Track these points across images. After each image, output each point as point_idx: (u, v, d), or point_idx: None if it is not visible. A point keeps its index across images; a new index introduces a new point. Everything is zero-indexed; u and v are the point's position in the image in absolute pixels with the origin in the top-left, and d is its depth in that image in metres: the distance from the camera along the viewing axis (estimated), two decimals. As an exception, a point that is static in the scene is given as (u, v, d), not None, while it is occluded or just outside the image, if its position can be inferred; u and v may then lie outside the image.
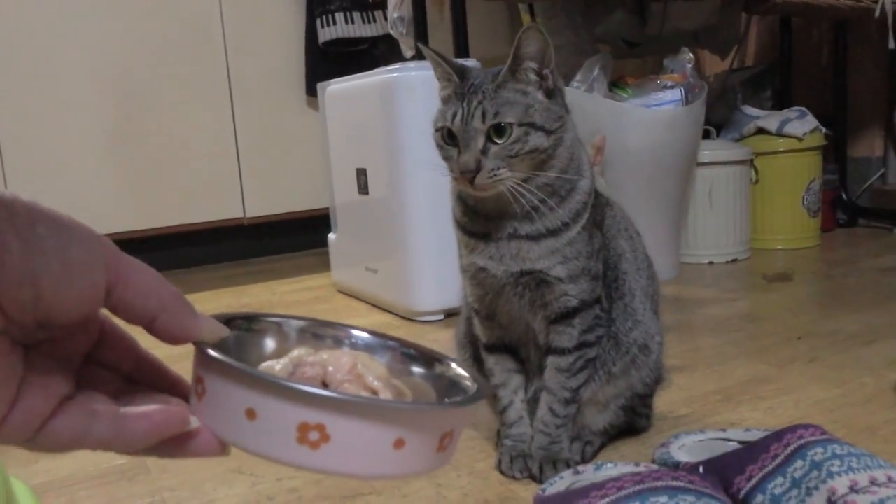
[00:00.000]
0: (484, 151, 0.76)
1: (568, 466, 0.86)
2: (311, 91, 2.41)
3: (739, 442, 0.85)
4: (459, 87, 0.80)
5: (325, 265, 2.08)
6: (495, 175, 0.76)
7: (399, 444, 0.38)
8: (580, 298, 0.83)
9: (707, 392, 1.11)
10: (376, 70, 1.64)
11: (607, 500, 0.69)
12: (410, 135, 1.53)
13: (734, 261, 2.01)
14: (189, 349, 0.41)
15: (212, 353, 0.39)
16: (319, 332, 0.49)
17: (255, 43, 2.40)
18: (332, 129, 1.87)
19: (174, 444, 0.39)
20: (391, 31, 2.32)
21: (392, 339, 0.49)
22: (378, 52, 2.48)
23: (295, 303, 1.89)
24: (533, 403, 0.91)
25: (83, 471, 1.00)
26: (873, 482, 0.69)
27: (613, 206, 0.95)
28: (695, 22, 2.20)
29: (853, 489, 0.69)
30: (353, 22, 2.40)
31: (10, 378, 0.35)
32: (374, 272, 1.73)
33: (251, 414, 0.37)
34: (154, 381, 0.43)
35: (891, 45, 1.98)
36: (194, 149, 2.32)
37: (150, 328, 0.38)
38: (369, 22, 2.43)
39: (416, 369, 0.48)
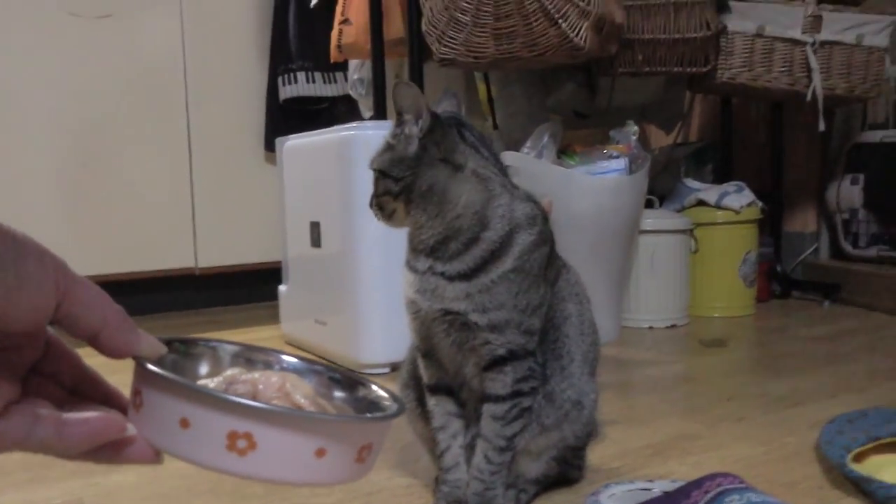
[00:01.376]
0: (374, 190, 0.88)
1: (501, 512, 0.88)
2: (270, 146, 2.46)
3: (663, 492, 0.89)
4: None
5: (274, 317, 2.10)
6: (379, 213, 0.88)
7: (321, 453, 0.41)
8: (508, 349, 0.86)
9: (639, 446, 1.16)
10: (335, 127, 1.69)
11: (534, 539, 0.72)
12: (365, 191, 1.57)
13: (673, 326, 2.08)
14: (126, 365, 0.44)
15: (150, 367, 0.42)
16: (251, 357, 0.53)
17: (216, 96, 2.45)
18: (289, 183, 1.91)
19: (111, 450, 0.43)
20: (351, 92, 2.40)
21: (319, 364, 0.53)
22: (337, 112, 2.55)
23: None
24: (470, 450, 0.94)
25: (17, 510, 0.99)
26: (784, 528, 0.74)
27: (570, 269, 0.99)
28: (641, 97, 2.32)
29: (765, 534, 0.73)
30: (314, 81, 2.47)
31: None
32: (323, 324, 1.75)
33: (185, 423, 0.41)
34: (95, 393, 0.46)
35: (821, 127, 2.11)
36: (149, 197, 2.34)
37: (94, 342, 0.42)
38: (330, 82, 2.51)
39: (340, 392, 0.51)
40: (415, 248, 0.88)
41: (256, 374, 0.47)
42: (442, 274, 0.85)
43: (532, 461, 0.94)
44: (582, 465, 1.02)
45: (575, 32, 1.62)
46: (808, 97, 2.09)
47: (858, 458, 0.99)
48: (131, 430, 0.43)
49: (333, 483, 0.44)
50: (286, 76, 2.45)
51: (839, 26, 2.09)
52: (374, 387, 0.52)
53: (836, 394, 1.39)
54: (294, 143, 1.88)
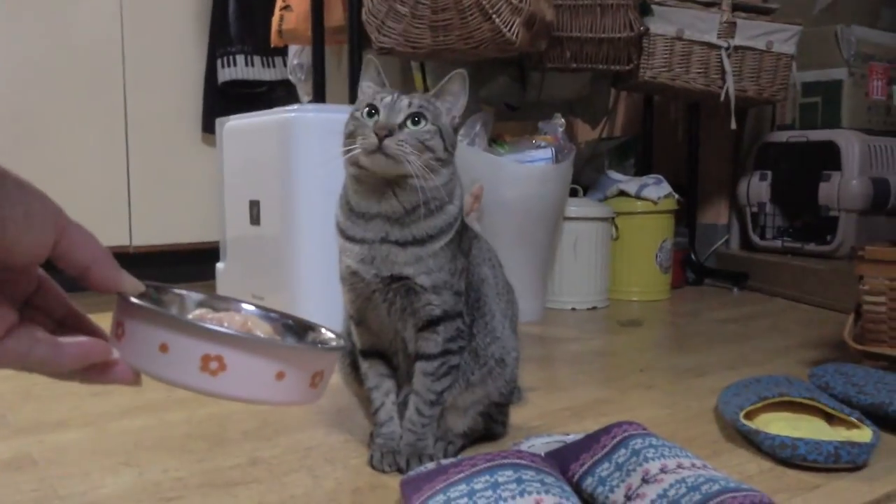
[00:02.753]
0: (400, 127, 0.90)
1: (431, 460, 0.97)
2: (207, 127, 2.48)
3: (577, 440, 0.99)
4: (387, 88, 0.96)
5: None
6: (402, 146, 0.88)
7: (280, 375, 0.49)
8: (443, 309, 0.96)
9: (558, 409, 1.26)
10: (276, 109, 1.75)
11: (462, 474, 0.81)
12: (304, 171, 1.65)
13: (594, 308, 2.20)
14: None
15: (134, 300, 0.50)
16: (214, 305, 0.60)
17: (154, 76, 2.46)
18: (228, 163, 1.96)
19: (97, 372, 0.50)
20: (290, 77, 2.45)
21: (274, 311, 0.61)
22: (275, 96, 2.59)
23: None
24: (402, 407, 1.02)
25: (-34, 464, 1.03)
26: (680, 466, 0.84)
27: (480, 239, 1.09)
28: (569, 92, 2.43)
29: (663, 470, 0.84)
30: (252, 65, 2.51)
31: None
32: (261, 299, 1.81)
33: (164, 348, 0.48)
34: (79, 326, 0.53)
35: (732, 125, 2.26)
36: (84, 174, 2.34)
37: (84, 277, 0.48)
38: (269, 66, 2.55)
39: (292, 337, 0.59)
40: (365, 215, 0.94)
41: (221, 315, 0.55)
42: (396, 241, 0.93)
43: (460, 416, 1.04)
44: (506, 421, 1.12)
45: (507, 28, 1.72)
46: (722, 98, 2.24)
47: (749, 415, 1.12)
48: (116, 354, 0.50)
49: (290, 403, 0.52)
50: (225, 59, 2.48)
51: (751, 33, 2.25)
52: (323, 329, 0.60)
53: (736, 367, 1.53)
54: (234, 124, 1.92)
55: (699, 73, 2.25)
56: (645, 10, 2.15)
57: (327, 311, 1.63)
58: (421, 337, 0.97)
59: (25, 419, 1.21)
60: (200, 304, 0.59)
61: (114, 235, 2.41)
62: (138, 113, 2.44)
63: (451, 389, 1.00)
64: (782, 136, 2.58)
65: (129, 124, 2.43)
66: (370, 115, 0.92)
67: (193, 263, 2.54)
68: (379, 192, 0.93)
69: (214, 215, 2.20)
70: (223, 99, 2.51)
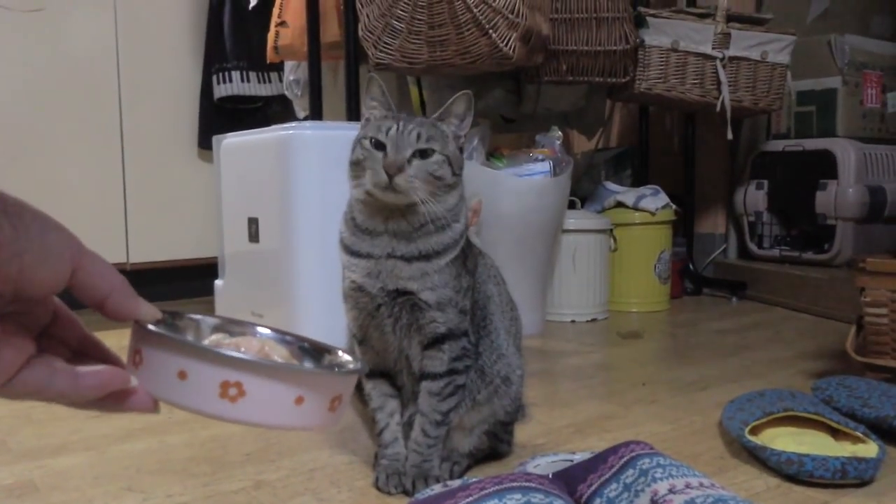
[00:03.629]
0: (409, 162, 0.90)
1: (437, 481, 0.97)
2: (203, 144, 2.48)
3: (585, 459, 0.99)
4: (393, 113, 0.95)
5: (209, 311, 2.13)
6: (412, 182, 0.89)
7: (300, 400, 0.49)
8: (448, 327, 0.95)
9: (562, 426, 1.26)
10: (273, 126, 1.75)
11: (470, 499, 0.81)
12: (302, 188, 1.64)
13: (593, 320, 2.20)
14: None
15: (152, 328, 0.49)
16: (230, 329, 0.59)
17: (149, 92, 2.45)
18: (226, 180, 1.95)
19: (115, 400, 0.49)
20: (286, 92, 2.45)
21: (289, 334, 0.60)
22: (271, 111, 2.59)
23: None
24: (407, 427, 1.02)
25: (-33, 492, 1.02)
26: (688, 486, 0.84)
27: (485, 256, 1.09)
28: (565, 104, 2.44)
29: (671, 491, 0.83)
30: (248, 81, 2.51)
31: None
32: (260, 316, 1.80)
33: (183, 375, 0.48)
34: (96, 355, 0.53)
35: (729, 136, 2.27)
36: (81, 193, 2.33)
37: (101, 307, 0.48)
38: (264, 82, 2.55)
39: (308, 360, 0.59)
40: (372, 232, 0.94)
41: (238, 339, 0.55)
42: (402, 256, 0.93)
43: (465, 436, 1.03)
44: (510, 440, 1.11)
45: (504, 42, 1.72)
46: (718, 108, 2.24)
47: (755, 430, 1.11)
48: (134, 382, 0.49)
49: (310, 428, 0.52)
50: (221, 74, 2.48)
51: (746, 43, 2.26)
52: (339, 352, 0.59)
53: (738, 379, 1.53)
54: (232, 141, 1.92)
55: (695, 84, 2.26)
56: (640, 23, 2.16)
57: (327, 328, 1.62)
58: (426, 355, 0.97)
59: (26, 444, 1.20)
60: (216, 329, 0.59)
61: (111, 252, 2.40)
62: (134, 129, 2.43)
63: (457, 409, 1.00)
64: (778, 146, 2.58)
65: (125, 140, 2.42)
66: (377, 146, 0.92)
67: (191, 280, 2.54)
68: (387, 212, 0.94)
69: (211, 231, 2.20)
70: (219, 115, 2.51)
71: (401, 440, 1.02)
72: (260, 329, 0.60)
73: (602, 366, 1.73)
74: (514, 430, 1.12)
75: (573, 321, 2.18)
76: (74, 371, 0.47)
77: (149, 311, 0.50)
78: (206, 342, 0.54)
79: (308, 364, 0.59)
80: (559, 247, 2.14)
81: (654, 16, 2.20)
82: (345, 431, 1.21)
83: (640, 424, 1.26)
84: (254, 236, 1.80)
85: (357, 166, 0.94)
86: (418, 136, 0.91)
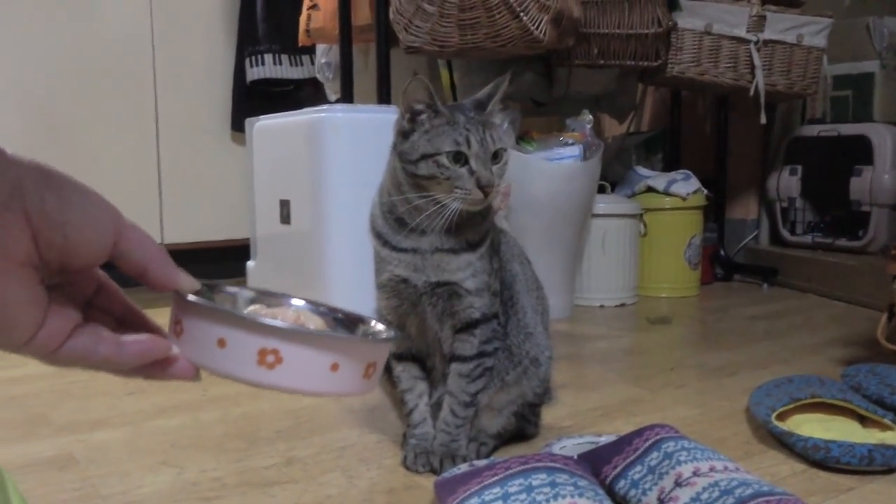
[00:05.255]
0: (491, 171, 0.91)
1: (465, 461, 0.98)
2: (236, 126, 2.51)
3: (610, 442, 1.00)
4: (450, 118, 0.92)
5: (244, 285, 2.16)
6: (498, 190, 0.91)
7: (335, 367, 0.50)
8: (482, 311, 0.97)
9: (588, 408, 1.27)
10: (305, 109, 1.77)
11: (497, 477, 0.82)
12: (334, 170, 1.66)
13: (622, 305, 2.20)
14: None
15: (192, 298, 0.51)
16: (266, 301, 0.61)
17: (184, 75, 2.49)
18: (259, 162, 1.98)
19: (158, 368, 0.51)
20: (317, 76, 2.46)
21: (323, 305, 0.62)
22: (303, 94, 2.61)
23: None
24: (436, 408, 1.04)
25: (10, 462, 1.06)
26: (712, 469, 0.85)
27: (507, 235, 1.10)
28: (596, 88, 2.43)
29: (695, 473, 0.84)
30: (280, 64, 2.53)
31: (40, 305, 0.46)
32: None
33: (222, 343, 0.49)
34: (138, 325, 0.54)
35: (762, 120, 2.24)
36: (116, 174, 2.37)
37: (142, 276, 0.50)
38: (296, 65, 2.57)
39: (343, 329, 0.60)
40: (420, 230, 0.94)
41: (275, 310, 0.56)
42: (450, 249, 0.94)
43: (494, 417, 1.05)
44: (537, 422, 1.13)
45: (535, 26, 1.72)
46: (752, 92, 2.22)
47: (782, 416, 1.11)
48: (175, 350, 0.51)
49: (345, 394, 0.53)
50: (253, 57, 2.51)
51: (781, 26, 2.23)
52: (372, 322, 0.61)
53: (766, 365, 1.52)
54: (264, 124, 1.94)
55: (728, 67, 2.23)
56: (673, 5, 2.13)
57: (356, 306, 1.65)
58: (458, 339, 0.99)
59: (66, 418, 1.24)
60: (252, 301, 0.60)
61: None
62: (168, 111, 2.47)
63: (485, 391, 1.01)
64: (813, 131, 2.55)
65: (160, 122, 2.46)
66: (457, 159, 0.90)
67: (223, 260, 2.58)
68: (462, 214, 0.92)
69: (243, 213, 2.22)
70: (251, 97, 2.53)
71: (429, 421, 1.03)
72: (294, 301, 0.61)
73: (630, 350, 1.73)
74: (541, 412, 1.13)
75: (602, 306, 2.18)
76: (119, 339, 0.49)
77: (188, 282, 0.52)
78: (244, 312, 0.56)
79: (343, 329, 0.61)
80: (589, 231, 2.14)
81: (687, -2, 2.18)
82: (374, 410, 1.23)
83: (667, 409, 1.27)
84: (285, 218, 1.82)
85: (430, 180, 0.91)
86: (493, 140, 0.91)
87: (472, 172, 0.90)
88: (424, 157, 0.91)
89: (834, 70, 2.49)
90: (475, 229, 0.96)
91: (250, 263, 2.07)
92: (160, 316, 0.53)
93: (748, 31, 2.21)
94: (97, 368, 0.49)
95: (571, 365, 1.56)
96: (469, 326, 0.98)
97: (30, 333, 0.45)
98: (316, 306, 0.61)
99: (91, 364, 0.49)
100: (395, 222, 0.97)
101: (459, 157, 0.90)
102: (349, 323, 0.61)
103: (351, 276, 1.66)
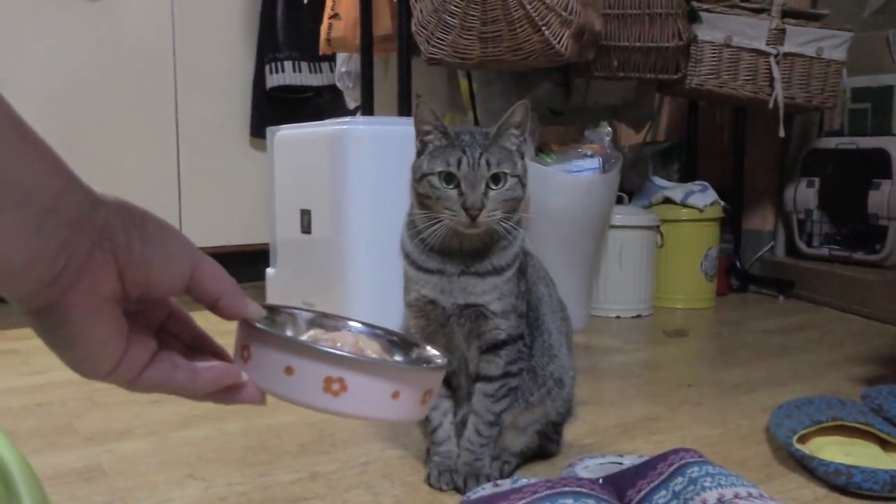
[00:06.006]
0: (485, 194, 0.91)
1: (488, 480, 0.99)
2: (255, 132, 2.53)
3: (634, 465, 1.01)
4: (454, 139, 0.93)
5: (259, 297, 2.17)
6: (493, 215, 0.91)
7: (396, 395, 0.53)
8: (508, 332, 0.98)
9: (608, 426, 1.28)
10: (327, 121, 1.78)
11: (524, 501, 0.83)
12: (355, 182, 1.68)
13: (638, 316, 2.20)
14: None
15: (261, 326, 0.53)
16: (323, 322, 0.63)
17: (204, 81, 2.50)
18: (279, 171, 1.99)
19: (228, 393, 0.53)
20: (337, 84, 2.48)
21: (379, 328, 0.64)
22: (322, 101, 2.62)
23: (229, 331, 1.98)
24: (460, 426, 1.04)
25: (39, 473, 1.07)
26: (737, 496, 0.85)
27: (532, 256, 1.11)
28: (614, 98, 2.43)
29: (720, 500, 0.85)
30: (300, 71, 2.54)
31: (123, 335, 0.48)
32: (311, 307, 1.84)
33: (289, 370, 0.51)
34: (206, 349, 0.57)
35: (780, 133, 2.24)
36: (136, 177, 2.40)
37: (214, 306, 0.52)
38: (316, 72, 2.58)
39: (398, 352, 0.62)
40: (450, 252, 0.95)
41: (334, 335, 0.58)
42: (475, 273, 0.95)
43: (517, 435, 1.06)
44: (559, 440, 1.14)
45: (557, 40, 1.73)
46: (770, 105, 2.22)
47: (803, 439, 1.12)
48: (244, 376, 0.53)
49: (404, 420, 0.55)
50: (273, 64, 2.52)
51: (801, 39, 2.23)
52: (427, 347, 0.62)
53: (785, 382, 1.53)
54: (286, 134, 1.96)
55: (747, 80, 2.24)
56: (693, 18, 2.14)
57: (377, 320, 1.66)
58: (483, 359, 1.00)
59: (92, 427, 1.25)
60: (311, 323, 0.62)
61: None
62: (189, 117, 2.49)
63: (509, 410, 1.02)
64: (830, 143, 2.55)
65: (180, 128, 2.48)
66: (448, 180, 0.91)
67: (242, 265, 2.59)
68: (462, 236, 0.94)
69: (262, 218, 2.24)
70: (271, 104, 2.55)
71: (453, 438, 1.04)
72: (351, 323, 0.63)
73: (647, 364, 1.74)
74: (562, 431, 1.14)
75: (618, 317, 2.19)
76: (193, 367, 0.52)
77: (256, 310, 0.54)
78: (305, 337, 0.58)
79: (398, 357, 0.62)
80: (606, 243, 2.15)
81: (707, 10, 2.18)
82: (396, 425, 1.24)
83: (686, 427, 1.27)
84: (306, 227, 1.84)
85: (427, 199, 0.93)
86: (488, 164, 0.91)
87: (460, 194, 0.91)
88: (423, 176, 0.94)
89: (853, 82, 2.49)
90: (501, 254, 0.96)
91: (270, 271, 2.09)
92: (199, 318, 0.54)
93: (768, 44, 2.21)
94: (172, 393, 0.51)
95: (590, 379, 1.57)
96: (495, 347, 0.99)
97: (114, 363, 0.48)
98: (372, 329, 0.63)
99: (167, 390, 0.51)
100: (418, 240, 0.98)
101: (451, 179, 0.91)
102: (404, 345, 0.62)
103: (371, 287, 1.68)
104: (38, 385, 1.47)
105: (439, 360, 0.60)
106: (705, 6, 2.21)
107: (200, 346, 0.56)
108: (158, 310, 0.53)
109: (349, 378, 0.51)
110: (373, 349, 0.57)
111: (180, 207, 2.49)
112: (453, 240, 0.94)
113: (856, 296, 2.27)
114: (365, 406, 0.52)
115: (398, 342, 0.63)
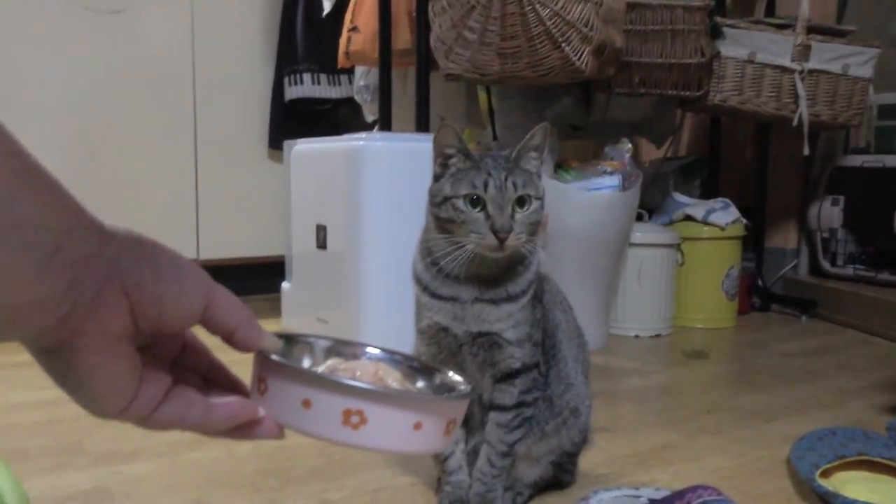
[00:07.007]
0: (511, 217, 0.89)
1: (500, 512, 0.97)
2: (273, 144, 2.52)
3: (649, 500, 0.98)
4: (478, 162, 0.91)
5: (274, 310, 2.17)
6: (520, 237, 0.89)
7: (418, 426, 0.50)
8: (522, 361, 0.96)
9: (624, 455, 1.25)
10: (344, 136, 1.77)
11: (535, 540, 0.81)
12: (372, 198, 1.66)
13: (658, 336, 2.17)
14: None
15: (277, 359, 0.51)
16: (341, 350, 0.61)
17: (223, 92, 2.50)
18: (296, 185, 1.99)
19: (244, 429, 0.51)
20: (356, 97, 2.47)
21: (398, 353, 0.61)
22: (340, 114, 2.61)
23: (247, 359, 1.97)
24: (472, 456, 1.02)
25: (46, 495, 1.06)
26: (756, 537, 0.83)
27: (549, 280, 1.09)
28: (634, 113, 2.40)
29: (739, 542, 0.82)
30: (319, 83, 2.53)
31: (135, 373, 0.46)
32: (325, 322, 1.83)
33: (307, 403, 0.49)
34: (223, 381, 0.55)
35: (805, 151, 2.20)
36: (154, 188, 2.40)
37: (229, 339, 0.50)
38: (335, 84, 2.57)
39: (420, 378, 0.60)
40: (457, 278, 0.93)
41: (353, 364, 0.56)
42: (489, 300, 0.93)
43: (531, 466, 1.03)
44: (574, 470, 1.11)
45: (577, 56, 1.70)
46: (795, 122, 2.18)
47: (826, 474, 1.09)
48: (261, 412, 0.51)
49: (427, 452, 0.53)
50: (292, 76, 2.52)
51: (826, 56, 2.19)
52: (449, 373, 0.60)
53: (807, 410, 1.49)
54: (302, 148, 1.95)
55: (771, 96, 2.20)
56: (716, 33, 2.11)
57: (392, 338, 1.64)
58: (497, 388, 0.97)
59: (101, 447, 1.24)
60: (328, 351, 0.60)
61: (182, 248, 2.40)
62: (207, 128, 2.49)
63: (523, 441, 1.00)
64: (856, 161, 2.50)
65: (198, 139, 2.48)
66: (474, 204, 0.89)
67: (258, 276, 2.59)
68: (479, 261, 0.91)
69: (279, 230, 2.24)
70: (289, 116, 2.54)
71: (465, 468, 1.02)
72: (370, 350, 0.61)
73: (665, 389, 1.71)
74: (577, 461, 1.11)
75: (637, 336, 2.16)
76: (208, 403, 0.50)
77: (272, 342, 0.52)
78: (322, 367, 0.56)
79: (421, 383, 0.60)
80: (625, 260, 2.12)
81: (731, 26, 2.15)
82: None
83: (704, 457, 1.24)
84: (322, 243, 1.83)
85: (450, 223, 0.91)
86: (515, 186, 0.89)
87: (487, 217, 0.89)
88: (446, 199, 0.91)
89: (880, 99, 2.45)
90: (516, 281, 0.94)
91: (285, 285, 2.08)
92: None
93: (792, 61, 2.17)
94: (187, 430, 0.50)
95: (606, 403, 1.54)
96: (509, 376, 0.97)
97: (126, 402, 0.46)
98: (391, 355, 0.61)
99: (182, 427, 0.49)
100: (432, 266, 0.96)
101: (477, 202, 0.89)
102: (425, 371, 0.60)
103: (386, 304, 1.66)
104: (51, 400, 1.46)
105: (462, 387, 0.58)
106: (729, 22, 2.18)
107: (216, 379, 0.54)
108: (172, 342, 0.52)
109: (369, 410, 0.48)
110: (393, 377, 0.55)
111: (198, 218, 2.49)
112: (471, 265, 0.92)
113: (880, 317, 2.22)
114: (386, 439, 0.50)
115: (419, 368, 0.60)
